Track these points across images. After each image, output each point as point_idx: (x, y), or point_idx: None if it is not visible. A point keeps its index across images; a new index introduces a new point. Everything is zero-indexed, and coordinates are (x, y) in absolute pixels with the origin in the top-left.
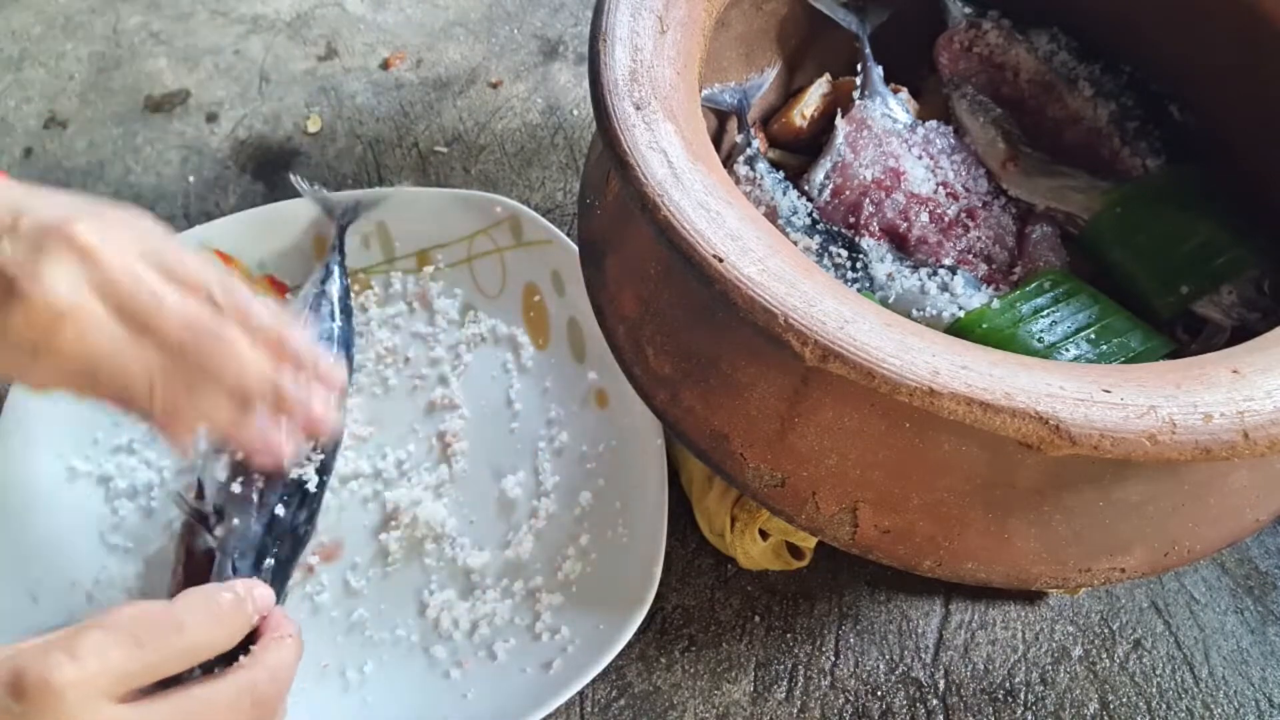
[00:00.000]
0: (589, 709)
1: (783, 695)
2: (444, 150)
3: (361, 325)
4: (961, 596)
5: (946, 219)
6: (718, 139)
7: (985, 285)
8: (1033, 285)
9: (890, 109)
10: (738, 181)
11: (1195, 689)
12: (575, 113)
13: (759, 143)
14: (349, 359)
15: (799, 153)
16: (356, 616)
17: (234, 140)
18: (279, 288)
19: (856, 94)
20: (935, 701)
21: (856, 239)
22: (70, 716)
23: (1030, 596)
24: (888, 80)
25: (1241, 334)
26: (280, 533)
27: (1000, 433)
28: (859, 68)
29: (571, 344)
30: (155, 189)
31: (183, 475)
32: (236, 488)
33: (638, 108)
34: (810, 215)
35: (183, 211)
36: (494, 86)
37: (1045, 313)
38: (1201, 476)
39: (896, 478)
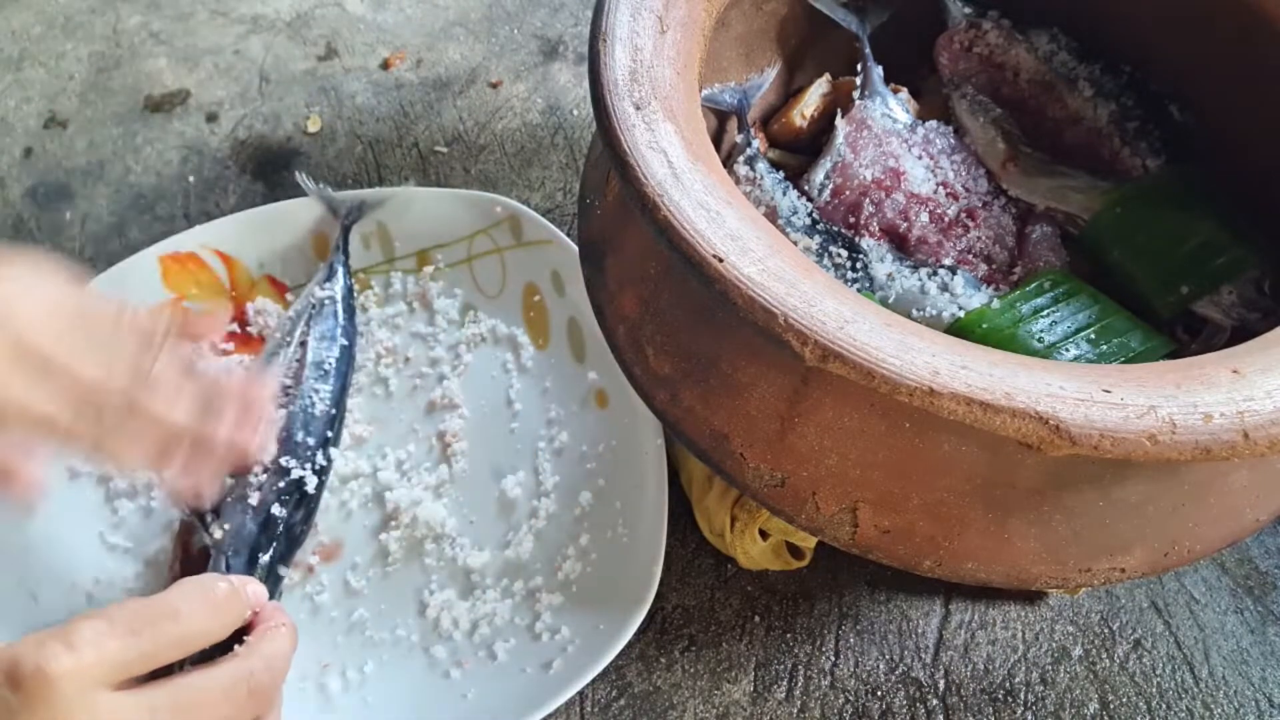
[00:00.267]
0: (589, 709)
1: (783, 695)
2: (444, 150)
3: (361, 325)
4: (961, 596)
5: (946, 219)
6: (718, 139)
7: (985, 285)
8: (1033, 285)
9: (890, 109)
10: (738, 181)
11: (1195, 689)
12: (575, 113)
13: (759, 143)
14: (350, 358)
15: (799, 153)
16: (356, 616)
17: (234, 140)
18: (279, 288)
19: (856, 94)
20: (935, 701)
21: (856, 239)
22: (67, 706)
23: (1030, 596)
24: (888, 80)
25: (1241, 334)
26: (276, 532)
27: (1000, 433)
28: (859, 68)
29: (571, 344)
30: (155, 189)
31: None
32: (234, 486)
33: (638, 108)
34: (810, 215)
35: (183, 211)
36: (494, 86)
37: (1045, 313)
38: (1201, 476)
39: (896, 478)
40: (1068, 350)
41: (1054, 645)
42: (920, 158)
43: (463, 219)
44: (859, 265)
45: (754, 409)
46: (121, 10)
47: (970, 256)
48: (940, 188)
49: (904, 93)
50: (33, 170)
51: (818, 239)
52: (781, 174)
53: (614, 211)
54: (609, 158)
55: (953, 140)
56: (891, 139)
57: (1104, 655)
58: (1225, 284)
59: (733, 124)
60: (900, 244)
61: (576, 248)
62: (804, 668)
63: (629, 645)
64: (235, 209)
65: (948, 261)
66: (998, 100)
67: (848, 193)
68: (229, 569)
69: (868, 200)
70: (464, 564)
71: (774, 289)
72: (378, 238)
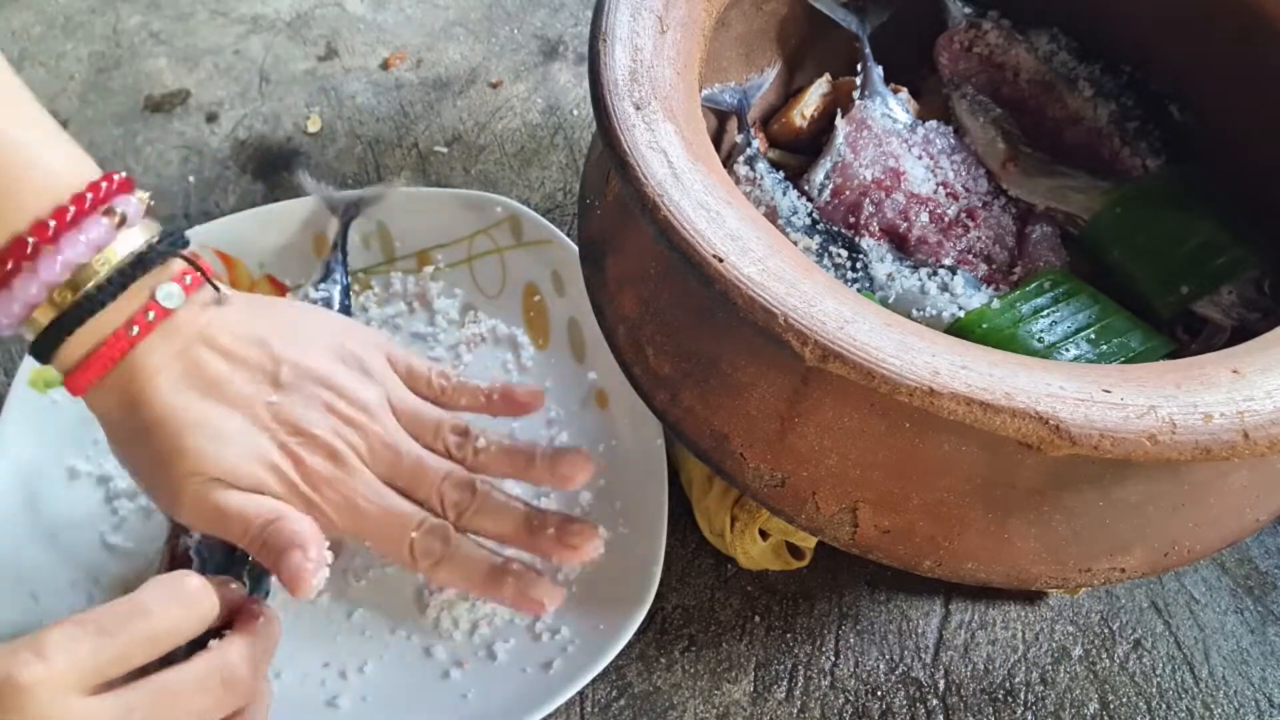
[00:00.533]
0: (589, 709)
1: (783, 695)
2: (444, 150)
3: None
4: (961, 596)
5: (946, 219)
6: (718, 139)
7: (985, 285)
8: (1033, 285)
9: (890, 109)
10: (738, 181)
11: (1195, 689)
12: (575, 113)
13: (759, 143)
14: None
15: (799, 153)
16: (356, 616)
17: (234, 140)
18: (279, 288)
19: (856, 94)
20: (935, 701)
21: (856, 239)
22: (40, 713)
23: (1030, 596)
24: (888, 80)
25: (1241, 334)
26: None
27: (1000, 433)
28: (859, 68)
29: (571, 344)
30: (155, 189)
31: None
32: None
33: (638, 108)
34: (810, 215)
35: (183, 211)
36: (494, 86)
37: (1045, 313)
38: (1201, 476)
39: (896, 478)
40: (1068, 350)
41: (1054, 645)
42: (920, 158)
43: (463, 219)
44: (859, 265)
45: (754, 409)
46: (121, 10)
47: (970, 256)
48: (940, 188)
49: (904, 93)
50: None
51: (818, 239)
52: (781, 174)
53: (614, 211)
54: (609, 158)
55: (953, 140)
56: (891, 139)
57: (1104, 655)
58: (1225, 284)
59: (733, 124)
60: (900, 244)
61: (576, 248)
62: (804, 668)
63: (629, 645)
64: (235, 209)
65: (948, 261)
66: (998, 100)
67: (848, 193)
68: (204, 568)
69: (868, 200)
70: None
71: (774, 289)
72: (378, 237)
